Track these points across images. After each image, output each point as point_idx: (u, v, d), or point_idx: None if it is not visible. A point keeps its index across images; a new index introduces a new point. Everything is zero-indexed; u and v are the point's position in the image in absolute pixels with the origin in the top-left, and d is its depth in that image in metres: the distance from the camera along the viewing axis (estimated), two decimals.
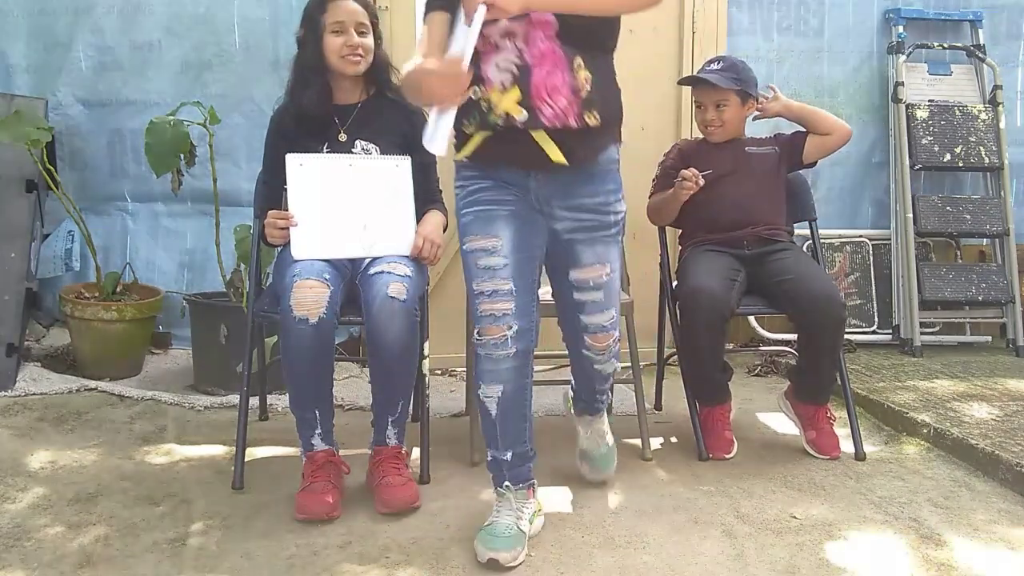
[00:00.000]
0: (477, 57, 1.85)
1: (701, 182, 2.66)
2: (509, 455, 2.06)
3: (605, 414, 2.46)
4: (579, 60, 1.89)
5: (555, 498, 2.32)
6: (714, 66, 2.79)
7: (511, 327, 1.97)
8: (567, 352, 2.28)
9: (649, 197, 2.89)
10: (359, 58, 2.41)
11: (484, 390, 2.02)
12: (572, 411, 2.52)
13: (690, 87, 2.92)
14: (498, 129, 1.91)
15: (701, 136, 2.89)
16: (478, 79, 1.87)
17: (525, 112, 1.88)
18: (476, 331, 2.01)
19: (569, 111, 1.88)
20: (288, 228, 2.28)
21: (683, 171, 2.69)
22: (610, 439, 2.45)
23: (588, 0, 1.90)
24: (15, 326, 3.18)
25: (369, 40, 2.43)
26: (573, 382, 2.43)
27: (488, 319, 1.98)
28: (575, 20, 1.88)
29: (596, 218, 2.06)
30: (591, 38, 1.93)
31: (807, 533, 2.14)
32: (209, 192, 3.27)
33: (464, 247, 2.04)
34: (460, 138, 2.00)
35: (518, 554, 1.96)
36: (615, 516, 2.23)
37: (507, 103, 1.88)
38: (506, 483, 2.07)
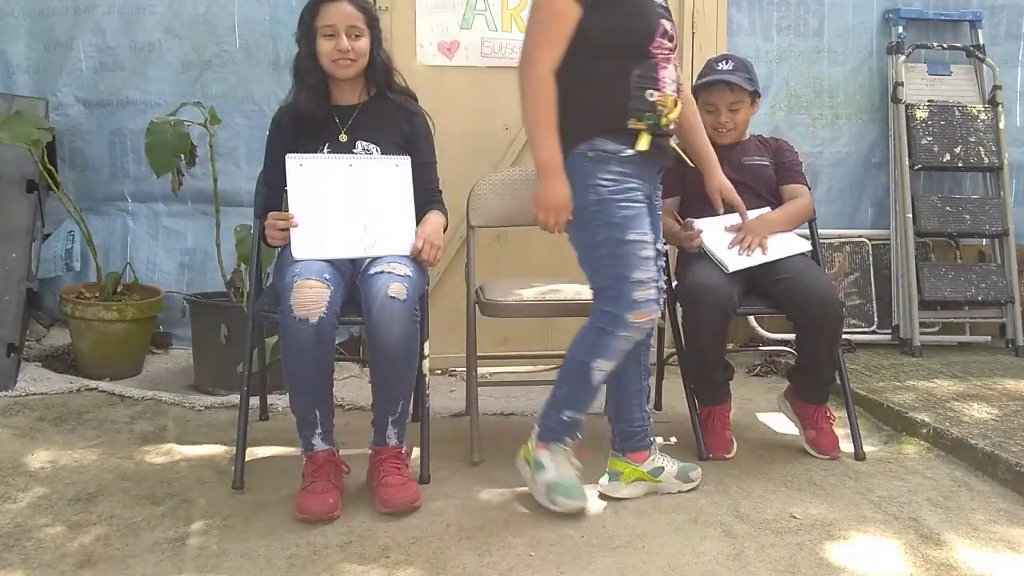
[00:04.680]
0: (653, 67, 2.17)
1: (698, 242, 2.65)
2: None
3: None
4: None
5: None
6: (724, 66, 2.74)
7: (656, 313, 2.22)
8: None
9: None
10: (349, 62, 2.41)
11: (601, 364, 2.19)
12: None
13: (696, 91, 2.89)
14: (657, 132, 2.19)
15: None
16: (653, 81, 2.16)
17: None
18: (629, 316, 2.15)
19: None
20: (288, 229, 2.29)
21: (691, 229, 2.66)
22: None
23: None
24: (15, 326, 3.18)
25: (362, 43, 2.42)
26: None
27: (648, 305, 2.17)
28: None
29: None
30: None
31: (807, 533, 2.14)
32: (209, 192, 3.28)
33: (627, 237, 2.17)
34: (625, 134, 2.17)
35: None
36: (615, 516, 2.24)
37: (676, 112, 2.23)
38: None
